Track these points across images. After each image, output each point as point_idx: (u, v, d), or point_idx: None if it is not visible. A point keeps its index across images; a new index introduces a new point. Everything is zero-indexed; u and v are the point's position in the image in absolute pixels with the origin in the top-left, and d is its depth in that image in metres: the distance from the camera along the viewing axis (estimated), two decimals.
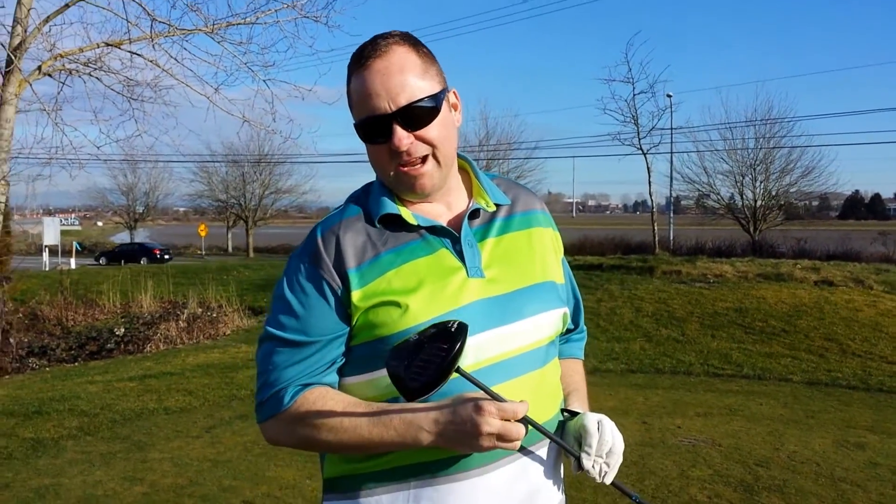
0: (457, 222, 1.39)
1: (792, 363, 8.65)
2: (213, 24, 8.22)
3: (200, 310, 13.42)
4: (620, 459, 1.33)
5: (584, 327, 1.69)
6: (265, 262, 28.61)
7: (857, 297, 10.93)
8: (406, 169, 1.32)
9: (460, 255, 1.34)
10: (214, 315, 13.05)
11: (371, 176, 1.45)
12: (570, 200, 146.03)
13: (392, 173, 1.33)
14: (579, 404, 1.47)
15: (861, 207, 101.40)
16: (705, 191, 31.93)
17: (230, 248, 44.72)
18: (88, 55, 8.65)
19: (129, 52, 8.43)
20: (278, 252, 43.64)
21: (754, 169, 29.47)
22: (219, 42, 8.40)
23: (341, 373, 1.35)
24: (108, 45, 8.40)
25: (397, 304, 1.27)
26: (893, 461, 5.10)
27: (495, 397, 1.18)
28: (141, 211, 49.55)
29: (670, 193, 33.00)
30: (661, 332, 10.25)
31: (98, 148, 9.25)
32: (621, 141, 19.98)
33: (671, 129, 28.02)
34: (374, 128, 1.31)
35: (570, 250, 22.61)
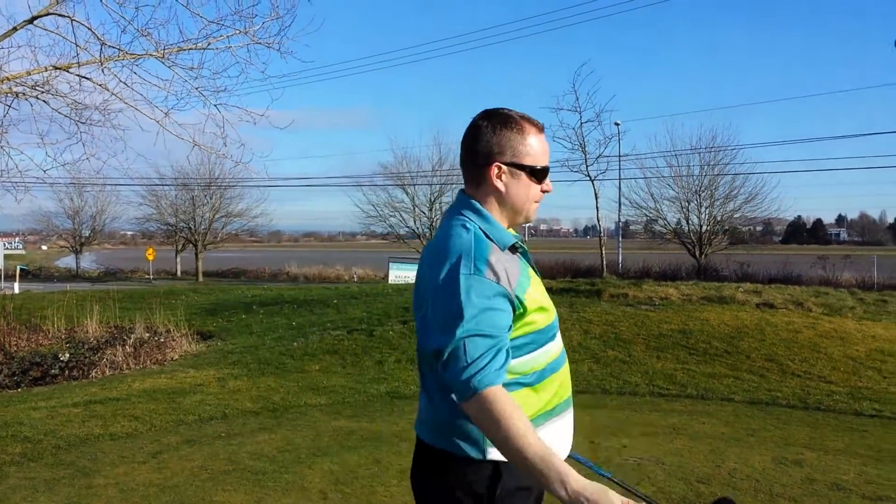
0: None
1: (734, 383, 8.88)
2: (164, 50, 8.18)
3: (147, 335, 13.19)
4: None
5: None
6: (215, 286, 28.21)
7: (796, 320, 11.28)
8: (536, 203, 1.92)
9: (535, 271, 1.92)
10: (162, 340, 12.84)
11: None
12: (523, 225, 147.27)
13: (529, 204, 1.89)
14: None
15: (803, 232, 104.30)
16: (653, 216, 32.67)
17: (179, 273, 43.95)
18: (36, 78, 8.53)
19: (78, 75, 8.34)
20: (228, 276, 43.02)
21: (699, 195, 30.25)
22: (169, 67, 8.36)
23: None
24: (56, 68, 8.30)
25: (543, 308, 1.81)
26: (830, 477, 5.27)
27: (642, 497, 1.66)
28: (87, 235, 48.53)
29: (619, 218, 33.64)
30: (608, 354, 10.42)
31: (44, 171, 9.09)
32: (570, 168, 20.31)
33: (619, 156, 28.66)
34: (543, 173, 1.87)
35: None
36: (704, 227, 30.16)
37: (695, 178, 30.51)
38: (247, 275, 43.15)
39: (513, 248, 1.82)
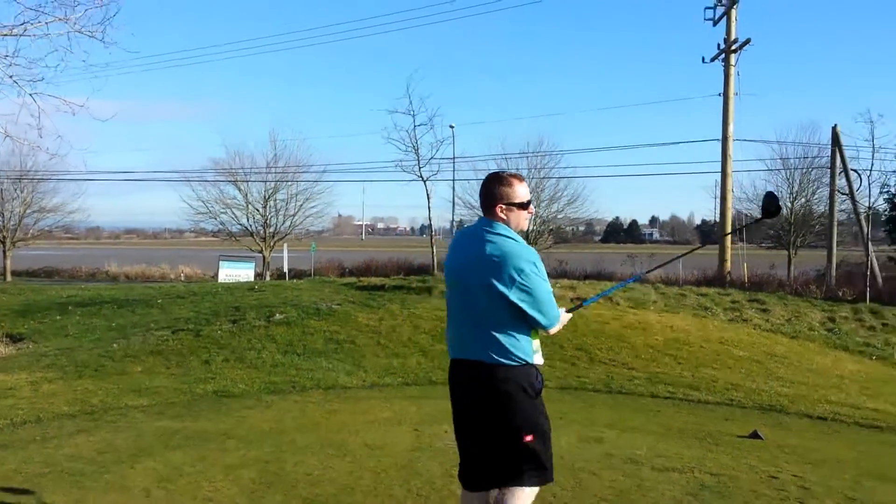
0: None
1: (548, 371, 9.54)
2: None
3: None
4: None
5: None
6: (25, 286, 26.16)
7: (605, 312, 12.27)
8: (526, 220, 3.30)
9: None
10: None
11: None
12: (360, 223, 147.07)
13: (522, 223, 3.25)
14: None
15: (621, 232, 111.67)
16: None
17: None
18: None
19: None
20: (40, 275, 39.99)
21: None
22: None
23: None
24: None
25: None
26: (625, 452, 5.85)
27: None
28: None
29: (452, 218, 34.66)
30: (436, 347, 10.86)
31: None
32: (404, 168, 20.80)
33: (453, 158, 29.55)
34: (527, 205, 3.25)
35: (355, 272, 23.00)
36: (531, 227, 31.77)
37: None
38: (61, 274, 40.29)
39: None
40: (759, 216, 4.31)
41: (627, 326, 11.53)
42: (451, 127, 27.17)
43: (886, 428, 7.81)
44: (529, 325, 3.19)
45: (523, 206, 3.24)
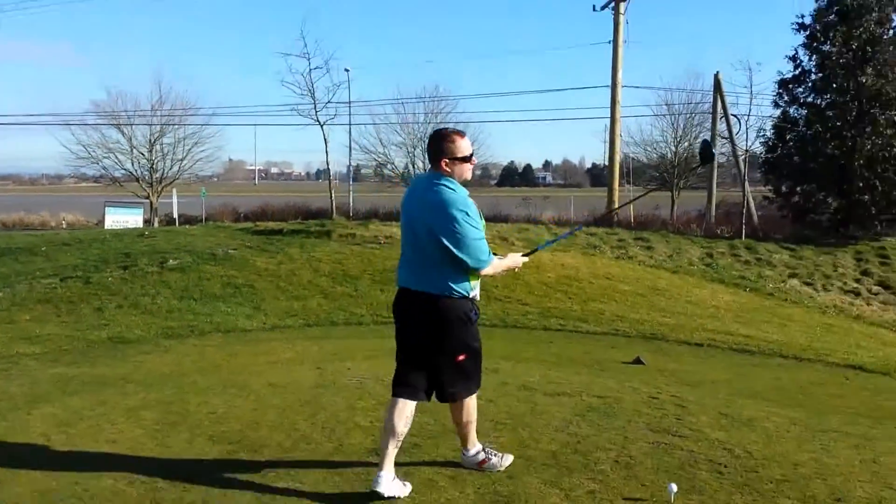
0: None
1: None
2: None
3: None
4: None
5: None
6: None
7: (501, 252, 12.65)
8: (469, 171, 3.67)
9: None
10: None
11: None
12: (252, 168, 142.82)
13: (465, 173, 3.63)
14: None
15: (515, 176, 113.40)
16: (382, 160, 33.80)
17: None
18: None
19: None
20: None
21: (424, 141, 31.80)
22: None
23: None
24: None
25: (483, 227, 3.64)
26: (518, 380, 6.13)
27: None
28: None
29: (349, 163, 34.36)
30: (336, 290, 10.95)
31: None
32: (299, 112, 20.41)
33: (349, 102, 29.12)
34: (468, 158, 3.63)
35: (250, 217, 22.54)
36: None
37: (420, 125, 32.00)
38: None
39: None
40: (698, 163, 5.02)
41: (522, 265, 11.92)
42: (347, 70, 26.72)
43: (757, 352, 8.53)
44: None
45: (466, 159, 3.66)
